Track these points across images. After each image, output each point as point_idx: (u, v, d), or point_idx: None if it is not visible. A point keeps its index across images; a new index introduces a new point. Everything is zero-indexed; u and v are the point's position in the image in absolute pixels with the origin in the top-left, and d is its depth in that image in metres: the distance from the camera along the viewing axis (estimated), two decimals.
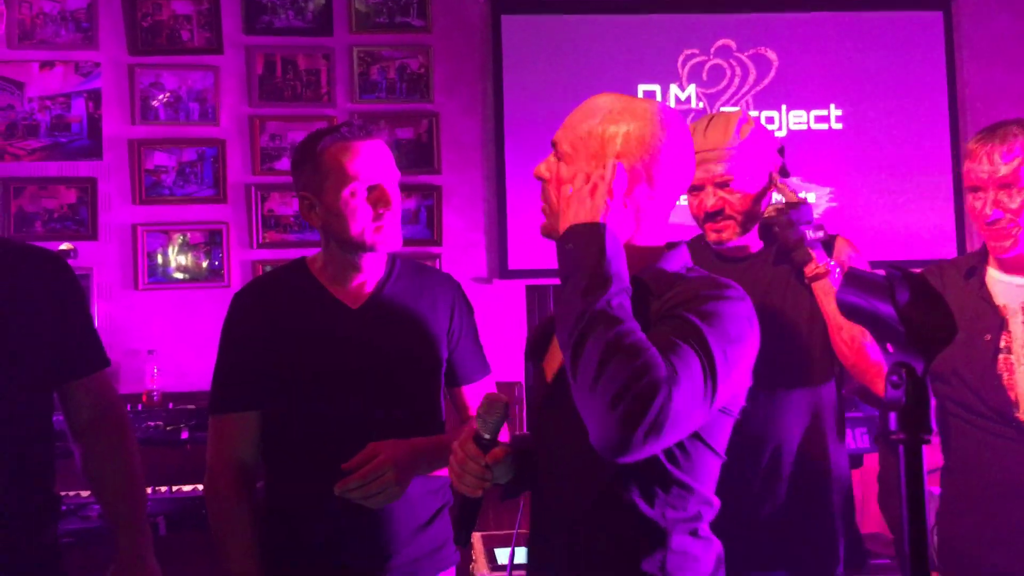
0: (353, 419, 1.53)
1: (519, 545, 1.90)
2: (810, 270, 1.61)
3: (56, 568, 1.54)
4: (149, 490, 2.67)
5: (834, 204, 3.59)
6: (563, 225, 1.12)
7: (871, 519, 3.25)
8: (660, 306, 1.11)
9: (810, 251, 1.61)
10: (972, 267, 1.76)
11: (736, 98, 3.60)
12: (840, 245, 1.69)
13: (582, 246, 1.08)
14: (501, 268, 3.48)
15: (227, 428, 1.57)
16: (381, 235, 1.55)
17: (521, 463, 1.26)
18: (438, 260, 3.45)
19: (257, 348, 1.56)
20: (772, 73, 3.59)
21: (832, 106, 3.60)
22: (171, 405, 3.04)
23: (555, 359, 1.25)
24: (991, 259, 1.73)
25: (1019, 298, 1.68)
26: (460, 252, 3.48)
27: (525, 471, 1.28)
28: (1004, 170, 1.61)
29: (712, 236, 1.68)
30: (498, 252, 3.48)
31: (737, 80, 3.59)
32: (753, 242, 1.72)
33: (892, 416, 0.72)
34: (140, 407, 3.07)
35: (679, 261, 1.21)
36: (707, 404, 1.04)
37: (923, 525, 0.72)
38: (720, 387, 1.05)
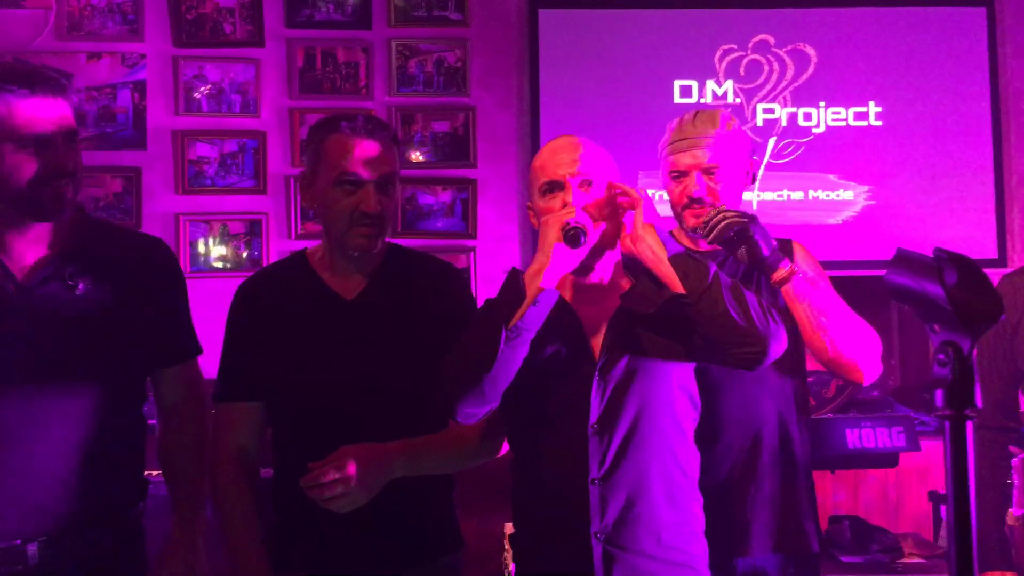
0: (348, 413, 1.54)
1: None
2: (778, 276, 1.65)
3: (140, 546, 1.60)
4: None
5: (872, 202, 3.57)
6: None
7: (906, 519, 3.23)
8: None
9: (775, 263, 1.67)
10: None
11: (774, 94, 3.58)
12: (798, 251, 1.76)
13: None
14: None
15: (228, 416, 1.61)
16: (357, 239, 1.54)
17: None
18: (472, 253, 3.48)
19: (254, 340, 1.58)
20: (811, 69, 3.57)
21: (871, 103, 3.57)
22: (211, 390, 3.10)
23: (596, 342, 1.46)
24: None
25: None
26: (495, 244, 3.51)
27: None
28: None
29: (691, 221, 1.72)
30: (532, 246, 3.50)
31: (775, 76, 3.57)
32: None
33: (938, 393, 0.73)
34: None
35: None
36: None
37: (967, 503, 0.73)
38: None
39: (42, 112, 1.42)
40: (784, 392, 1.73)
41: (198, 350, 1.70)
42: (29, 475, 1.45)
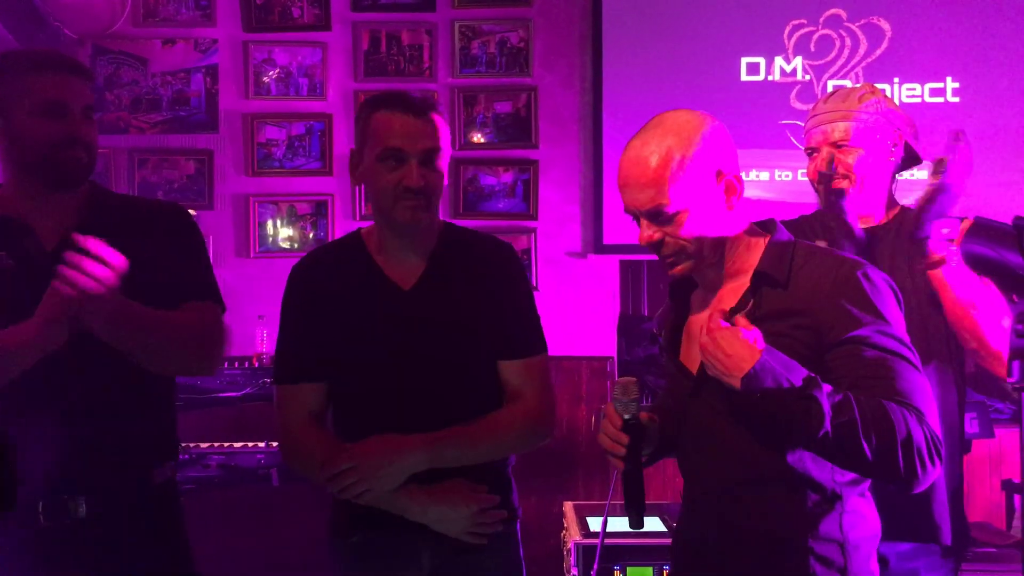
0: (404, 397, 1.55)
1: (611, 515, 1.94)
2: (927, 259, 1.56)
3: (174, 504, 1.65)
4: (263, 444, 2.82)
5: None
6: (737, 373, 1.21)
7: (977, 508, 3.12)
8: (788, 299, 1.26)
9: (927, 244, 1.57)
10: None
11: (845, 70, 3.48)
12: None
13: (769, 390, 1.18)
14: (596, 243, 3.48)
15: (290, 398, 1.61)
16: (403, 212, 1.53)
17: (661, 435, 1.38)
18: (533, 234, 3.48)
19: (310, 323, 1.59)
20: (884, 44, 3.45)
21: (949, 79, 3.44)
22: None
23: (692, 352, 1.36)
24: None
25: None
26: (556, 226, 3.51)
27: (665, 442, 1.39)
28: None
29: (824, 200, 1.72)
30: (593, 227, 3.48)
31: (847, 51, 3.47)
32: (877, 212, 1.74)
33: (1015, 365, 0.71)
34: (248, 367, 3.23)
35: (783, 234, 1.33)
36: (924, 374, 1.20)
37: None
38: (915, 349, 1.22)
39: (57, 84, 1.54)
40: (941, 385, 1.62)
41: (217, 299, 1.66)
42: (67, 433, 1.51)
